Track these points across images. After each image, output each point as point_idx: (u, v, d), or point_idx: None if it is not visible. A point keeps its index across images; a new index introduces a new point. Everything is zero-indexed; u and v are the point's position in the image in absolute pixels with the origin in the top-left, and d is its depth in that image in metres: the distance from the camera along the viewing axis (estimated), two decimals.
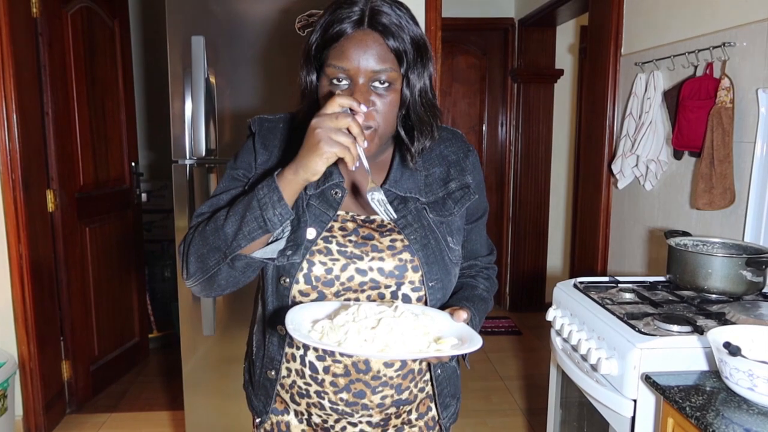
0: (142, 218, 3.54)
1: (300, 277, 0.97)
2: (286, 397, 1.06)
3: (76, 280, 2.90)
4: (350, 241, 0.98)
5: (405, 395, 1.03)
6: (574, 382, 1.60)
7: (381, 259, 0.98)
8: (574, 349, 1.60)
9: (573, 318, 1.68)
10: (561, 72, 4.35)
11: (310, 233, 0.97)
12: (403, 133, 0.99)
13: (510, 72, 4.43)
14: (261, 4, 2.22)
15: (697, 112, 1.98)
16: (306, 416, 1.06)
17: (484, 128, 4.56)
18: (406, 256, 0.98)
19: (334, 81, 0.91)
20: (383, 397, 1.01)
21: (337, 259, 0.97)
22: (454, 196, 1.04)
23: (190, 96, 2.20)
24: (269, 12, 2.22)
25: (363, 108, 0.88)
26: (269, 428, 1.10)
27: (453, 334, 0.89)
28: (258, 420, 1.11)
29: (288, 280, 0.97)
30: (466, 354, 1.01)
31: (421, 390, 1.07)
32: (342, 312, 0.89)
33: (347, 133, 0.83)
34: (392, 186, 1.01)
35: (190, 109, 2.20)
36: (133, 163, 3.35)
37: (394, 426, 1.07)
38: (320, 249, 0.97)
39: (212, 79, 2.21)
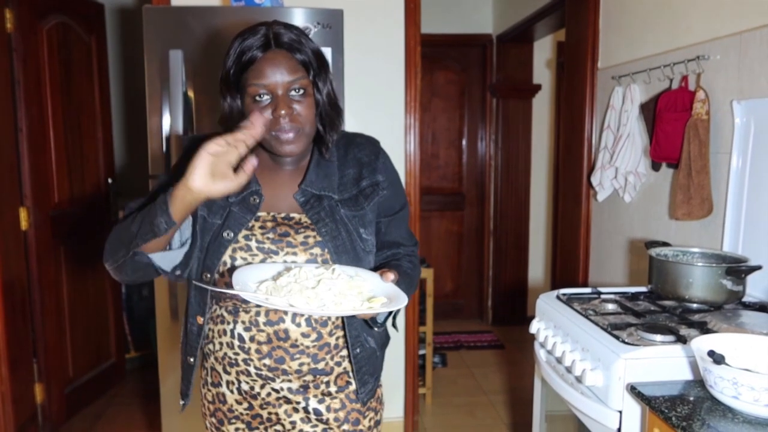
0: None
1: (225, 271, 1.11)
2: (220, 368, 1.19)
3: (50, 299, 2.83)
4: (268, 238, 1.12)
5: (321, 365, 1.16)
6: (559, 394, 1.58)
7: (294, 253, 1.11)
8: (558, 361, 1.60)
9: (556, 330, 1.67)
10: (539, 87, 4.40)
11: (227, 234, 1.11)
12: (322, 129, 1.15)
13: (489, 87, 4.48)
14: (239, 18, 2.21)
15: (673, 124, 2.00)
16: (236, 384, 1.18)
17: (463, 143, 4.59)
18: (316, 250, 1.12)
19: (257, 98, 1.07)
20: (300, 364, 1.14)
21: (256, 255, 1.11)
22: (364, 193, 1.18)
23: (168, 111, 2.17)
24: (247, 26, 2.20)
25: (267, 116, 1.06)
26: (211, 399, 1.23)
27: (383, 294, 1.02)
28: (182, 402, 1.27)
29: (209, 275, 1.11)
30: (395, 315, 1.19)
31: (338, 364, 1.19)
32: (285, 274, 1.01)
33: (225, 146, 0.94)
34: (308, 186, 1.15)
35: (168, 124, 2.18)
36: (110, 180, 3.30)
37: (315, 396, 1.18)
38: (242, 246, 1.11)
39: (190, 94, 2.19)
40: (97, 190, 3.22)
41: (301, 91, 1.08)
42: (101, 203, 3.26)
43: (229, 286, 1.04)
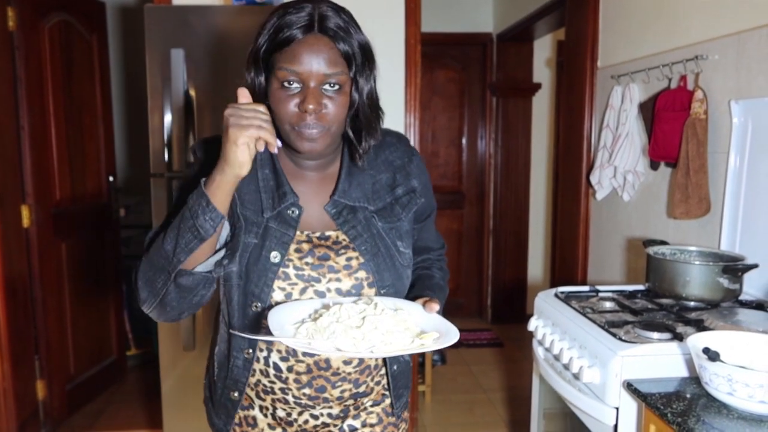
0: (121, 233, 3.49)
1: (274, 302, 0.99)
2: (252, 393, 1.09)
3: (51, 297, 2.84)
4: (307, 263, 1.00)
5: (362, 389, 1.09)
6: (557, 391, 1.60)
7: (338, 279, 1.00)
8: (556, 358, 1.61)
9: (555, 327, 1.69)
10: (539, 86, 4.41)
11: (275, 257, 0.98)
12: (351, 133, 1.00)
13: (489, 86, 4.48)
14: (240, 17, 2.22)
15: (672, 124, 2.01)
16: (271, 410, 1.09)
17: (463, 141, 4.60)
18: (361, 274, 1.01)
19: (285, 84, 0.92)
20: (342, 391, 1.06)
21: (296, 284, 0.99)
22: (401, 202, 1.08)
23: (169, 109, 2.18)
24: (248, 25, 2.22)
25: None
26: (238, 422, 1.12)
27: (431, 328, 0.93)
28: None
29: (259, 305, 0.99)
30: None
31: (377, 383, 1.12)
32: (324, 313, 0.90)
33: (258, 117, 0.87)
34: (341, 197, 1.03)
35: (169, 123, 2.19)
36: (111, 178, 3.31)
37: (352, 415, 1.11)
38: (278, 275, 0.98)
39: (192, 92, 2.20)
40: (98, 188, 3.23)
41: (336, 87, 0.92)
42: (102, 201, 3.27)
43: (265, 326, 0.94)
